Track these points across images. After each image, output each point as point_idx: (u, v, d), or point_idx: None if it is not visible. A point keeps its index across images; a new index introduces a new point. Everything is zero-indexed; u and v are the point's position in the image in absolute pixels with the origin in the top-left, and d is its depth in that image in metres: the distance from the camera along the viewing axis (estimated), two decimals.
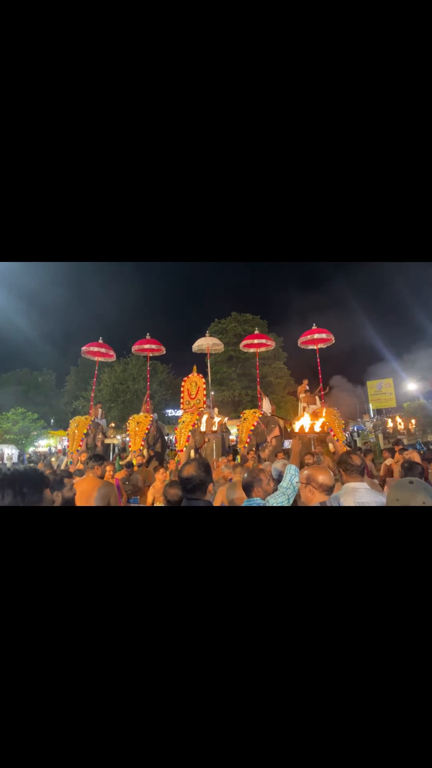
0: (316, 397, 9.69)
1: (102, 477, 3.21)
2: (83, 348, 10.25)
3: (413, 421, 7.35)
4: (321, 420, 6.19)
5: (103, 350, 10.32)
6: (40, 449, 23.92)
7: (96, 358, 10.66)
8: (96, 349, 10.23)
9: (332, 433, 8.28)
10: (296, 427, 6.06)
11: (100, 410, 10.14)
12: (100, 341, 10.25)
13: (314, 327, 10.30)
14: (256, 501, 2.13)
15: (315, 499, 1.79)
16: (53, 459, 17.09)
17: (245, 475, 2.27)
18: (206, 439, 8.12)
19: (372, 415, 24.07)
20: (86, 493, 2.96)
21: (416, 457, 4.69)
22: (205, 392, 9.33)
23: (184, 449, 7.88)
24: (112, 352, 10.52)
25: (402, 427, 6.90)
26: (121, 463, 7.21)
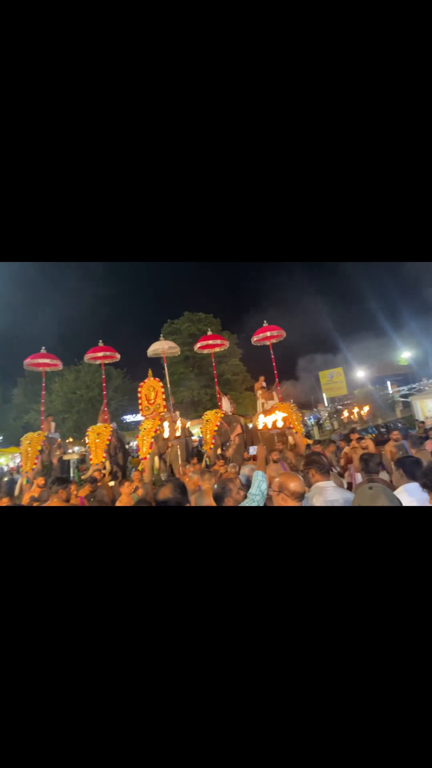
0: (274, 393, 9.96)
1: (68, 500, 3.07)
2: (26, 361, 9.70)
3: (366, 408, 7.81)
4: (283, 415, 6.34)
5: (47, 360, 9.83)
6: None
7: (42, 369, 10.14)
8: (40, 360, 9.74)
9: (291, 427, 8.57)
10: (259, 424, 6.17)
11: (52, 424, 9.66)
12: (43, 351, 9.76)
13: (265, 324, 10.58)
14: None
15: (288, 505, 1.84)
16: (5, 479, 16.02)
17: (215, 486, 2.29)
18: (170, 445, 8.04)
19: (326, 404, 25.20)
20: None
21: (371, 446, 4.99)
22: (164, 396, 9.23)
23: (148, 457, 7.75)
24: (57, 361, 10.06)
25: (355, 416, 7.32)
26: (82, 477, 6.95)
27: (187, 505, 1.68)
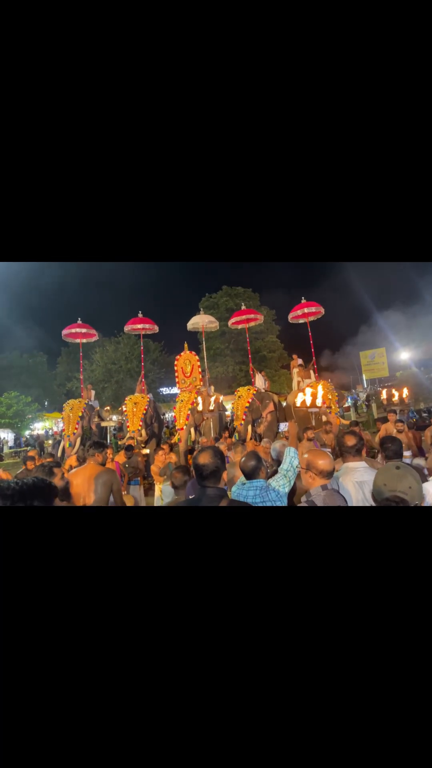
0: (311, 371, 9.74)
1: (104, 464, 3.23)
2: (63, 331, 9.93)
3: (406, 390, 7.49)
4: (321, 393, 6.19)
5: (84, 330, 10.00)
6: (36, 432, 23.97)
7: (78, 340, 10.40)
8: (77, 330, 9.93)
9: (329, 406, 8.40)
10: (297, 401, 6.08)
11: (92, 392, 10.10)
12: (79, 322, 9.92)
13: (303, 301, 10.22)
14: (259, 483, 2.18)
15: (315, 483, 1.83)
16: (48, 442, 17.13)
17: (243, 459, 2.30)
18: (204, 418, 8.19)
19: (365, 386, 24.34)
20: (88, 481, 2.99)
21: (405, 430, 4.79)
22: (200, 369, 9.31)
23: (184, 427, 7.95)
24: (93, 332, 10.24)
25: (396, 398, 7.04)
26: (120, 442, 7.28)
27: (225, 473, 1.70)
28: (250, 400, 8.39)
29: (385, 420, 6.32)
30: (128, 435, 7.77)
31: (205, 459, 1.63)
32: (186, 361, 9.27)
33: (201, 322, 10.58)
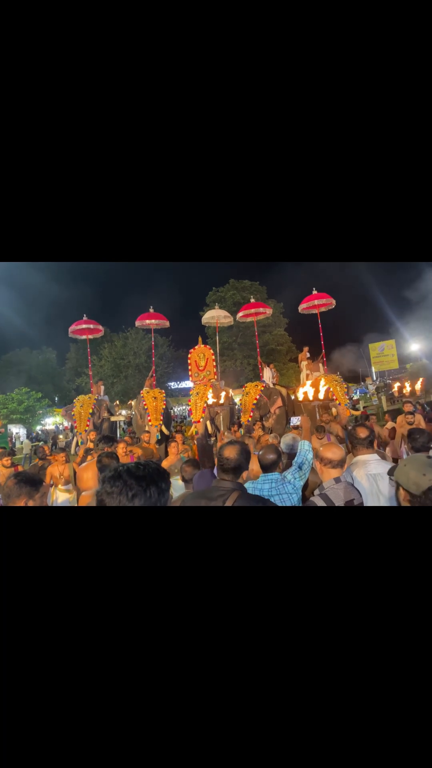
0: (320, 364, 9.65)
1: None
2: (70, 328, 10.02)
3: (419, 383, 7.36)
4: (323, 387, 6.16)
5: (91, 327, 10.11)
6: (47, 427, 24.26)
7: (85, 336, 10.47)
8: (84, 326, 10.01)
9: (335, 399, 8.33)
10: (299, 395, 6.05)
11: (101, 387, 10.16)
12: (85, 318, 10.00)
13: (314, 292, 10.11)
14: (274, 476, 2.17)
15: (328, 475, 1.81)
16: (61, 436, 17.35)
17: (261, 452, 2.29)
18: (218, 411, 8.21)
19: (374, 378, 24.05)
20: (97, 475, 3.01)
21: (422, 422, 4.73)
22: (214, 363, 9.29)
23: (201, 420, 7.94)
24: (100, 328, 10.33)
25: (407, 391, 6.91)
26: (143, 437, 7.29)
27: (245, 473, 1.68)
28: (257, 397, 8.35)
29: (399, 411, 6.24)
30: (149, 427, 7.73)
31: (230, 453, 1.62)
32: (200, 354, 9.25)
33: (216, 316, 10.57)
